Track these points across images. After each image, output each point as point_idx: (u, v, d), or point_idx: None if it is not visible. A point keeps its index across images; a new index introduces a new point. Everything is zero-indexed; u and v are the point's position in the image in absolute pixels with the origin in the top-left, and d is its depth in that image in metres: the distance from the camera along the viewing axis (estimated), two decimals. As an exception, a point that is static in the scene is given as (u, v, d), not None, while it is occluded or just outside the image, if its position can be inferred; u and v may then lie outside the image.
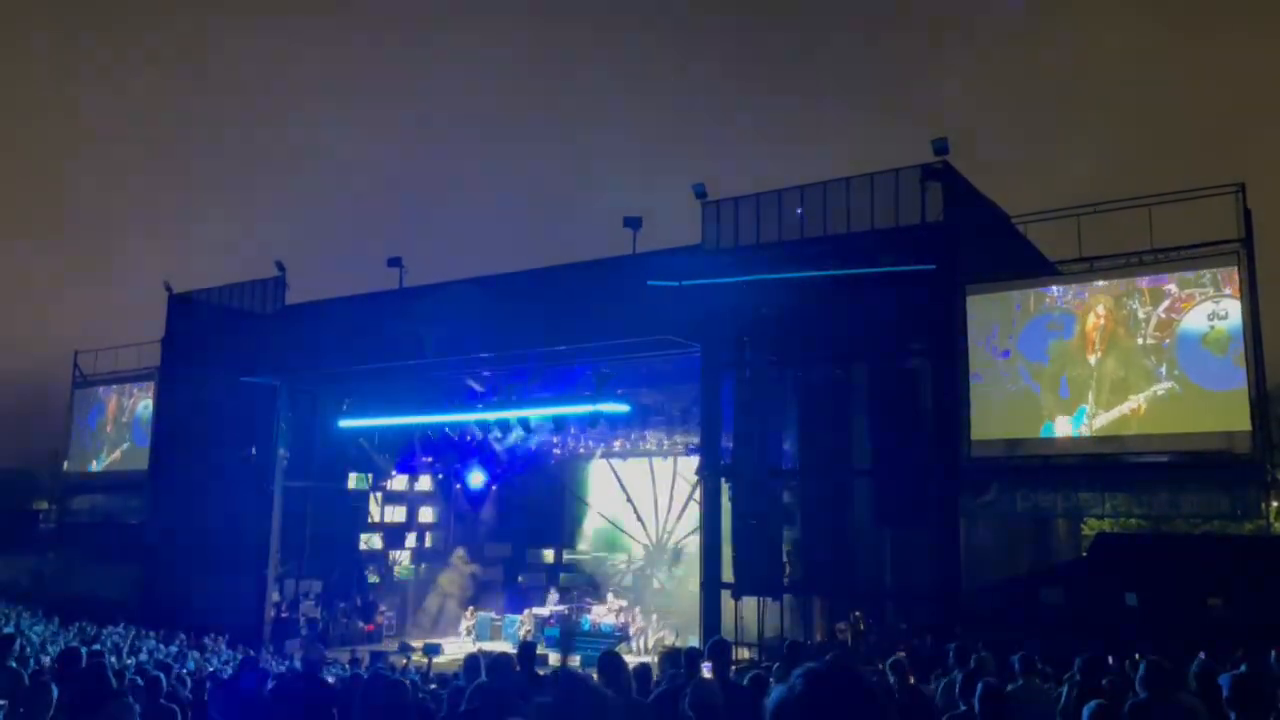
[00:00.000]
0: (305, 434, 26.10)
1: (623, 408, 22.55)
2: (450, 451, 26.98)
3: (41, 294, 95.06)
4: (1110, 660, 10.03)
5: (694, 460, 22.26)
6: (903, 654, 8.43)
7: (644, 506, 28.92)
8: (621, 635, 23.33)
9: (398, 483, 28.64)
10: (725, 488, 19.32)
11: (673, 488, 27.91)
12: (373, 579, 27.86)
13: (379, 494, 28.28)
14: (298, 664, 13.55)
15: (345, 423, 25.95)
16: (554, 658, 21.46)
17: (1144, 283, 16.08)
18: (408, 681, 9.00)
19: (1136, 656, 9.42)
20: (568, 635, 23.59)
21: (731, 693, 6.15)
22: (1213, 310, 15.38)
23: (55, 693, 5.38)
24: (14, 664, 7.10)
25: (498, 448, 26.12)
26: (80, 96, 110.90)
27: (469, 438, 25.87)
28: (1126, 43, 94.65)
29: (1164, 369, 15.66)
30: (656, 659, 9.46)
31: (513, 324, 21.44)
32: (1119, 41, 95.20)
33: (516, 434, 24.80)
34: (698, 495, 21.00)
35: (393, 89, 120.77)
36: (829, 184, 18.85)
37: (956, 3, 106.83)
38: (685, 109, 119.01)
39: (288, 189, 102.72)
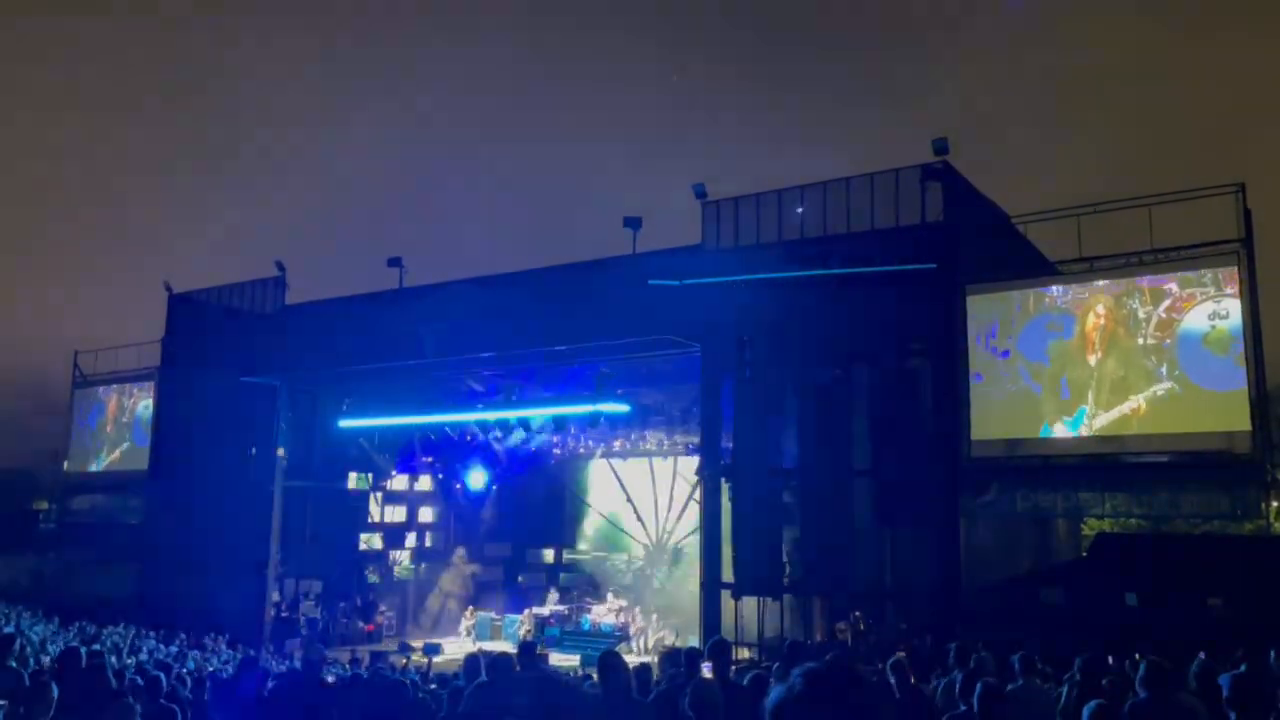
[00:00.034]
0: (305, 434, 26.12)
1: (623, 408, 22.56)
2: (450, 451, 26.99)
3: (41, 294, 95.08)
4: (1110, 660, 10.03)
5: (694, 460, 22.27)
6: (903, 654, 8.42)
7: (644, 506, 28.93)
8: (621, 635, 23.34)
9: (398, 483, 28.66)
10: (725, 488, 19.33)
11: (673, 488, 27.92)
12: (373, 579, 27.88)
13: (379, 494, 28.31)
14: (298, 664, 13.58)
15: (345, 423, 25.96)
16: (554, 658, 21.50)
17: (1144, 282, 16.07)
18: (408, 681, 9.01)
19: (1136, 656, 9.42)
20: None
21: (731, 693, 6.15)
22: (1214, 310, 15.38)
23: (55, 692, 5.38)
24: (14, 664, 7.11)
25: (498, 448, 26.13)
26: (80, 97, 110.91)
27: (469, 438, 25.88)
28: (1126, 43, 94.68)
29: (1164, 369, 15.66)
30: (657, 659, 9.47)
31: (513, 324, 21.45)
32: (1119, 41, 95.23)
33: (517, 434, 24.81)
34: (698, 495, 21.00)
35: (393, 89, 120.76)
36: (829, 184, 18.85)
37: (957, 2, 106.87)
38: (685, 109, 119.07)
39: (288, 189, 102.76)
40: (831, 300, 18.17)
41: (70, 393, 31.79)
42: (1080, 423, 16.28)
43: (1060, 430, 16.43)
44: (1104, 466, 16.07)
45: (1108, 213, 16.81)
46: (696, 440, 21.37)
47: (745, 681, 6.67)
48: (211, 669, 14.41)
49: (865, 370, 18.34)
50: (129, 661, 13.65)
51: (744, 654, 17.24)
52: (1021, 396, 16.84)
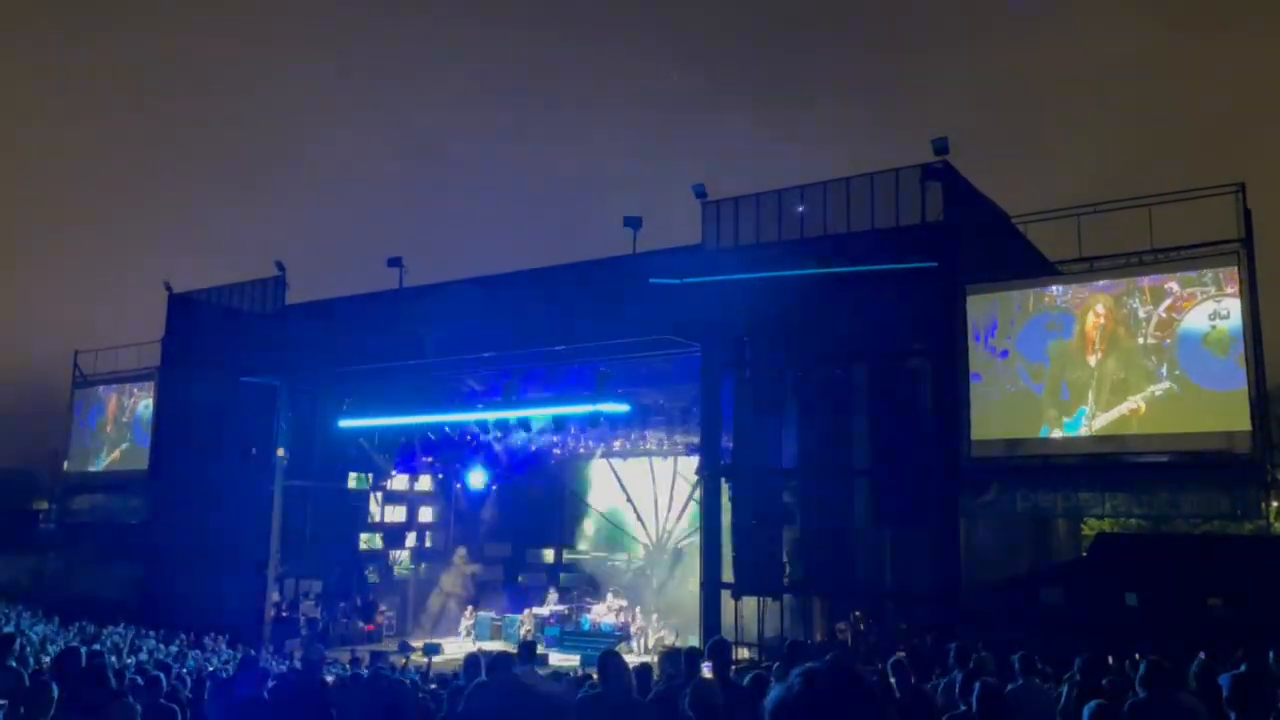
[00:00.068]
0: (305, 434, 26.12)
1: (623, 407, 22.56)
2: (450, 451, 26.99)
3: (41, 294, 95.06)
4: (1110, 660, 10.03)
5: (694, 460, 22.27)
6: (903, 654, 8.42)
7: (644, 506, 28.93)
8: (621, 635, 23.34)
9: (398, 482, 28.66)
10: (725, 488, 19.33)
11: (673, 488, 27.93)
12: (373, 579, 27.88)
13: (379, 494, 28.31)
14: (298, 664, 13.57)
15: (345, 423, 25.96)
16: (554, 658, 21.50)
17: (1145, 282, 16.06)
18: (408, 681, 9.01)
19: (1136, 656, 9.42)
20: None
21: (731, 692, 6.15)
22: (1214, 310, 15.37)
23: (56, 692, 5.37)
24: (14, 664, 7.10)
25: (498, 448, 26.13)
26: (80, 97, 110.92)
27: (469, 438, 25.88)
28: (1126, 43, 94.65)
29: (1164, 369, 15.65)
30: (657, 659, 9.46)
31: (512, 324, 21.45)
32: (1119, 41, 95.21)
33: (518, 435, 24.81)
34: (698, 495, 21.00)
35: (393, 89, 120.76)
36: (829, 184, 18.85)
37: (957, 2, 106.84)
38: (685, 109, 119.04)
39: (288, 189, 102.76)
40: (831, 300, 18.17)
41: (70, 393, 31.79)
42: (1080, 423, 16.27)
43: (1060, 430, 16.42)
44: (1104, 466, 16.07)
45: (1108, 213, 16.80)
46: (696, 440, 21.36)
47: (745, 681, 6.67)
48: (211, 669, 14.41)
49: (865, 370, 18.34)
50: (129, 661, 13.65)
51: (744, 654, 17.24)
52: (1021, 397, 16.83)
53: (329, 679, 9.44)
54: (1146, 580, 15.42)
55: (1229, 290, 15.30)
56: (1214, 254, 15.60)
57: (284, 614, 25.13)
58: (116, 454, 29.99)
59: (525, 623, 24.76)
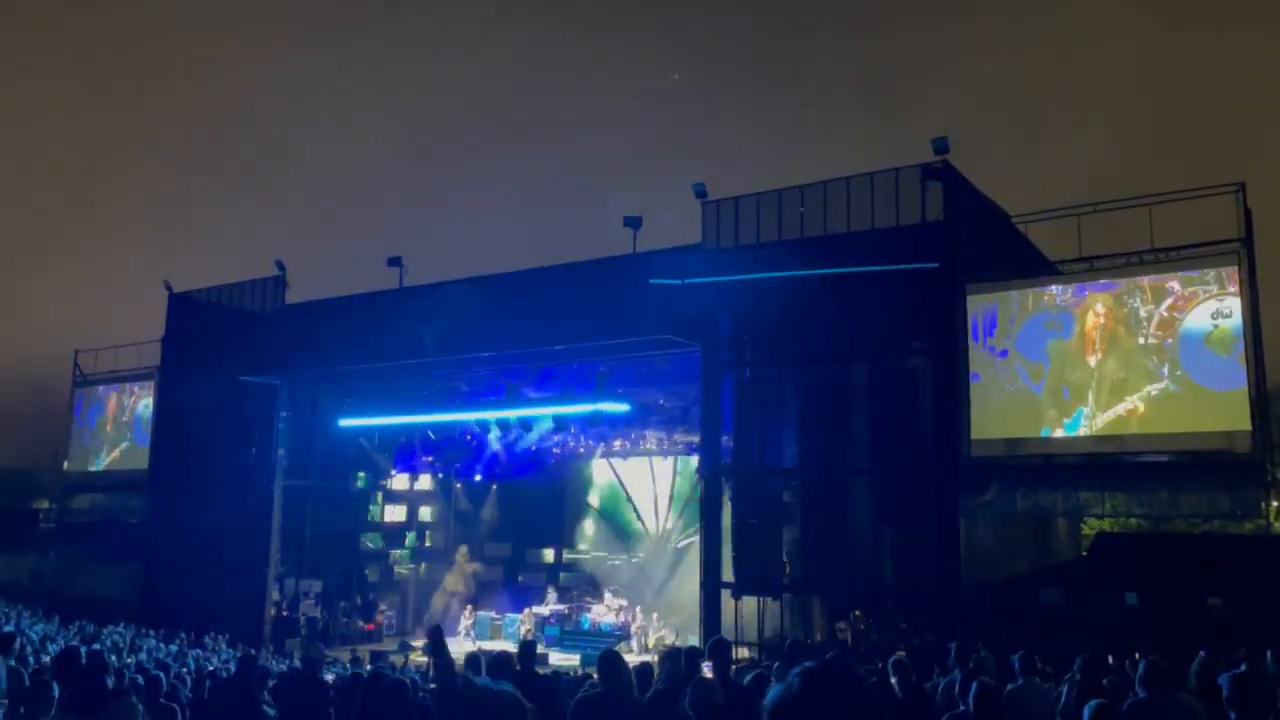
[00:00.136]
0: (305, 433, 26.11)
1: (623, 407, 22.56)
2: (450, 451, 26.99)
3: (42, 293, 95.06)
4: (1110, 660, 10.03)
5: (694, 460, 22.27)
6: (903, 653, 8.43)
7: (644, 506, 28.93)
8: (622, 634, 23.35)
9: (398, 482, 28.65)
10: (725, 488, 19.33)
11: (673, 487, 27.92)
12: (373, 578, 27.87)
13: (379, 493, 28.30)
14: (298, 663, 13.56)
15: (345, 422, 25.97)
16: (554, 657, 21.50)
17: (1145, 280, 16.05)
18: (408, 681, 9.00)
19: (1136, 656, 9.42)
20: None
21: (731, 692, 6.15)
22: (1216, 309, 15.35)
23: (56, 691, 5.37)
24: (14, 663, 7.11)
25: (497, 447, 26.13)
26: (81, 98, 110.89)
27: (469, 437, 25.88)
28: (1126, 43, 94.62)
29: (1165, 369, 15.64)
30: (657, 658, 9.47)
31: (513, 324, 21.45)
32: (1119, 41, 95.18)
33: (529, 436, 24.81)
34: (698, 495, 21.00)
35: (393, 89, 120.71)
36: (829, 183, 18.84)
37: (956, 2, 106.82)
38: (685, 109, 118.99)
39: (288, 189, 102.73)
40: (831, 300, 18.17)
41: (70, 392, 31.81)
42: (1080, 423, 16.27)
43: (1060, 431, 16.42)
44: (1104, 466, 16.07)
45: (1108, 212, 16.81)
46: (696, 440, 21.36)
47: (746, 681, 6.67)
48: (211, 668, 14.41)
49: (865, 370, 18.35)
50: (129, 661, 13.65)
51: (743, 653, 17.24)
52: (1020, 397, 16.84)
53: (329, 678, 9.44)
54: (1146, 580, 15.42)
55: (1231, 289, 15.28)
56: (1214, 254, 15.60)
57: (284, 613, 25.14)
58: (116, 453, 30.00)
59: (525, 622, 24.76)
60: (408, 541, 29.03)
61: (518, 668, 6.77)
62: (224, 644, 19.73)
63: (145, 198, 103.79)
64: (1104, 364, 16.18)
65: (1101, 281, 16.51)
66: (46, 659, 11.63)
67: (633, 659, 9.77)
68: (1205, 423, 15.23)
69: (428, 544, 29.50)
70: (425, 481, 29.34)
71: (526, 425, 24.26)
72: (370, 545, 28.09)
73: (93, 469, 30.77)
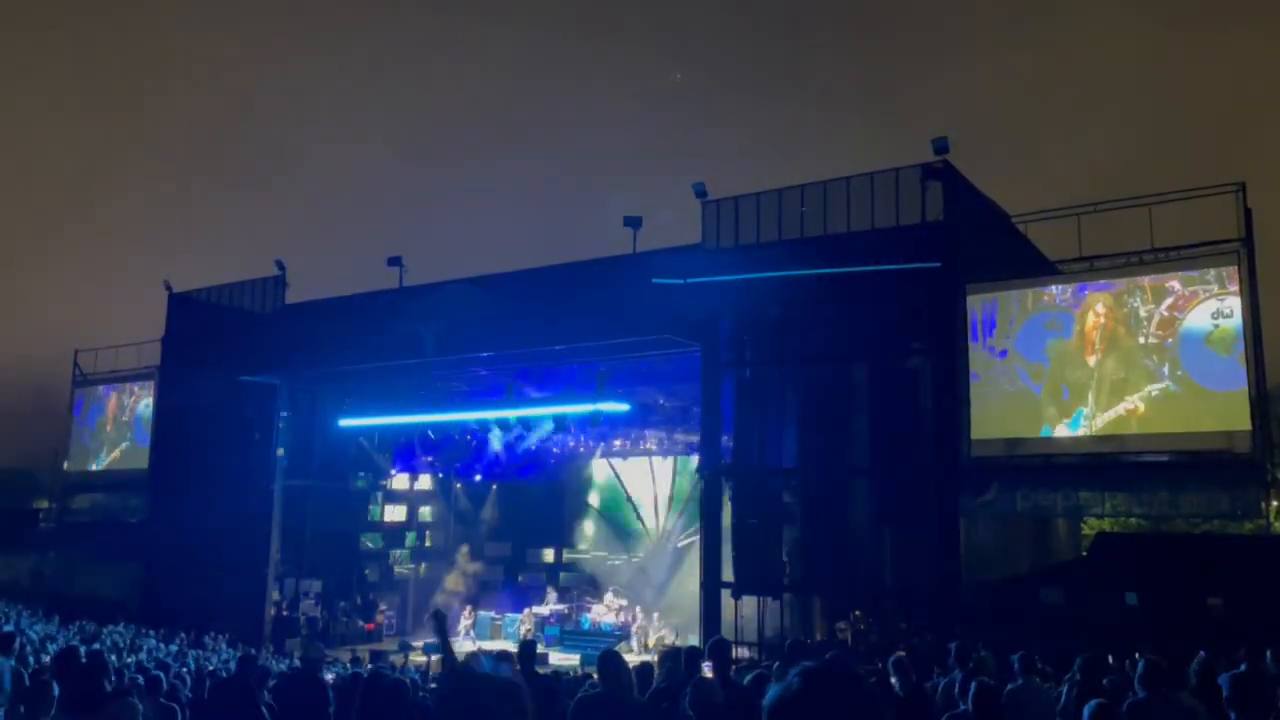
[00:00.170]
0: (305, 433, 26.11)
1: (623, 407, 22.56)
2: (450, 450, 26.99)
3: (42, 293, 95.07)
4: (1110, 660, 10.03)
5: (694, 459, 22.27)
6: (903, 653, 8.42)
7: (644, 506, 28.93)
8: (622, 634, 23.34)
9: (398, 482, 28.64)
10: (725, 488, 19.33)
11: (673, 487, 27.92)
12: (373, 578, 27.87)
13: (379, 493, 28.30)
14: (298, 663, 13.55)
15: (345, 422, 25.96)
16: (554, 657, 21.49)
17: (1146, 280, 16.04)
18: (408, 681, 9.00)
19: (1136, 656, 9.42)
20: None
21: (731, 692, 6.15)
22: (1217, 309, 15.34)
23: (56, 691, 5.37)
24: (14, 662, 7.11)
25: (497, 447, 26.13)
26: (81, 98, 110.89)
27: (469, 437, 25.87)
28: (1126, 43, 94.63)
29: (1166, 369, 15.63)
30: (657, 658, 9.47)
31: (512, 324, 21.45)
32: (1119, 41, 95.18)
33: (530, 436, 24.80)
34: (698, 495, 21.00)
35: (393, 89, 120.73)
36: (829, 183, 18.84)
37: (956, 2, 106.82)
38: (685, 109, 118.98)
39: (288, 189, 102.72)
40: (832, 299, 18.17)
41: (70, 392, 31.80)
42: (1079, 423, 16.27)
43: (1059, 431, 16.42)
44: (1104, 466, 16.07)
45: (1108, 212, 16.81)
46: (696, 439, 21.36)
47: (747, 681, 6.67)
48: (211, 668, 14.40)
49: (865, 369, 18.35)
50: (129, 661, 13.65)
51: (743, 653, 17.23)
52: (1020, 397, 16.83)
53: (329, 678, 9.44)
54: (1146, 580, 15.42)
55: (1231, 289, 15.26)
56: (1214, 254, 15.60)
57: (284, 613, 25.13)
58: (116, 453, 30.00)
59: (525, 622, 24.76)
60: (408, 541, 29.03)
61: (517, 667, 6.77)
62: (224, 644, 19.73)
63: (145, 198, 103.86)
64: (1104, 364, 16.17)
65: (1101, 281, 16.50)
66: (46, 659, 11.64)
67: (633, 659, 9.77)
68: (1205, 423, 15.23)
69: (428, 544, 29.49)
70: (425, 481, 29.33)
71: (527, 425, 24.26)
72: (370, 545, 28.09)
73: (93, 469, 30.76)
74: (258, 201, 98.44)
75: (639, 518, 28.96)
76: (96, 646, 13.53)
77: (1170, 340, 15.66)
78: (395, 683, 5.53)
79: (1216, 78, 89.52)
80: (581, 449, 27.83)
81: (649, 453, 27.65)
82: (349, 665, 15.91)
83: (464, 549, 29.04)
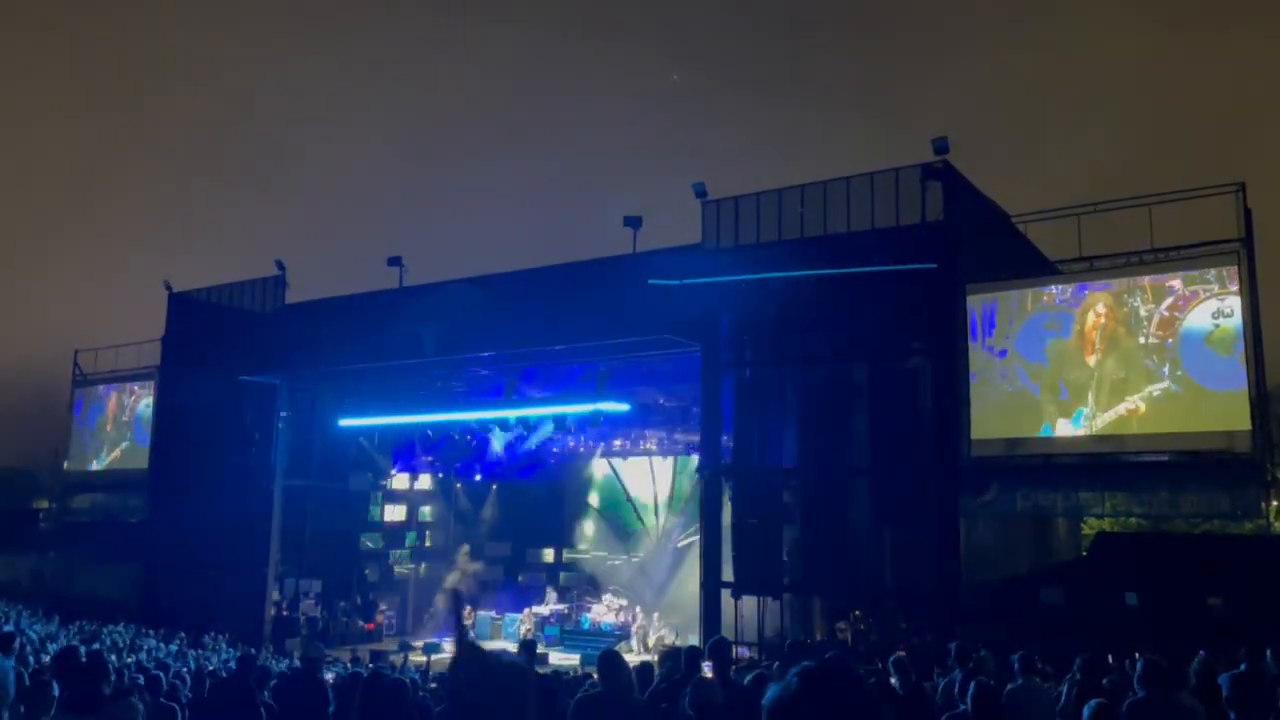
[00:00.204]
0: (305, 433, 26.11)
1: (623, 406, 22.56)
2: (450, 450, 26.98)
3: (42, 293, 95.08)
4: (1110, 660, 10.03)
5: (694, 459, 22.26)
6: (903, 653, 8.43)
7: (644, 506, 28.92)
8: (622, 634, 23.34)
9: (398, 481, 28.64)
10: (725, 487, 19.32)
11: (673, 487, 27.92)
12: (373, 578, 27.86)
13: (379, 493, 28.29)
14: (298, 663, 13.56)
15: (345, 422, 25.96)
16: (554, 657, 21.49)
17: (1146, 280, 16.04)
18: (408, 681, 9.00)
19: (1136, 656, 9.42)
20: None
21: (731, 692, 6.15)
22: (1218, 308, 15.32)
23: (56, 691, 5.37)
24: (14, 662, 7.11)
25: (497, 447, 26.12)
26: (81, 98, 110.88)
27: (469, 437, 25.86)
28: (1126, 43, 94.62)
29: (1166, 369, 15.62)
30: (657, 658, 9.47)
31: (512, 323, 21.45)
32: (1119, 41, 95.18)
33: (532, 437, 24.80)
34: (698, 495, 21.00)
35: (393, 89, 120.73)
36: (829, 183, 18.84)
37: (956, 2, 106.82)
38: (685, 109, 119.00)
39: (288, 189, 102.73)
40: (831, 299, 18.17)
41: (70, 391, 31.80)
42: (1079, 424, 16.27)
43: (1061, 428, 16.42)
44: (1104, 466, 16.07)
45: (1108, 212, 16.81)
46: (696, 439, 21.36)
47: (747, 681, 6.67)
48: (211, 668, 14.41)
49: (865, 369, 18.34)
50: (129, 660, 13.65)
51: (743, 653, 17.23)
52: (1019, 397, 16.83)
53: (329, 678, 9.44)
54: (1146, 580, 15.42)
55: (1232, 288, 15.25)
56: (1214, 254, 15.59)
57: (284, 613, 25.13)
58: (116, 453, 29.99)
59: (525, 622, 24.75)
60: (408, 541, 29.02)
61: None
62: (224, 644, 19.74)
63: (145, 198, 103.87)
64: (1103, 364, 16.17)
65: (1101, 281, 16.50)
66: (46, 659, 11.64)
67: (633, 659, 9.77)
68: (1205, 423, 15.23)
69: (428, 544, 29.48)
70: (425, 481, 29.33)
71: (528, 425, 24.26)
72: (370, 545, 28.08)
73: (93, 468, 30.76)
74: (258, 201, 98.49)
75: (639, 518, 28.95)
76: (96, 646, 13.53)
77: (1171, 340, 15.66)
78: (395, 683, 5.54)
79: (1216, 78, 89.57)
80: (581, 449, 27.82)
81: (649, 453, 27.65)
82: (349, 665, 15.91)
83: (464, 549, 29.03)
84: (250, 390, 25.31)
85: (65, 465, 32.26)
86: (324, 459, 26.47)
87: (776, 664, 8.52)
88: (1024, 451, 16.76)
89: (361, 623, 26.48)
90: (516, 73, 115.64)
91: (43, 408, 46.21)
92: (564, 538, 29.82)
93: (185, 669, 11.98)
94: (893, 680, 7.23)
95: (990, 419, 16.95)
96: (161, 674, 8.08)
